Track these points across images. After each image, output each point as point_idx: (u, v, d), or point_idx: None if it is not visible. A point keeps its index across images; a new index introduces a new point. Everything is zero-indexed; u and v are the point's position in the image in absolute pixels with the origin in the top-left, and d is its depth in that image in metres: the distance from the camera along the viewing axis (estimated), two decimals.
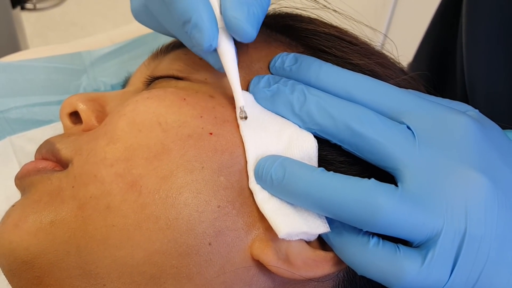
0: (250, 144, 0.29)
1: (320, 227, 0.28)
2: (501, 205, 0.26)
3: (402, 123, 0.28)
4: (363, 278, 0.31)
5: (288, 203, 0.28)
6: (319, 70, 0.31)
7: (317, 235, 0.28)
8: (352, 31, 0.39)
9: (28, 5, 0.86)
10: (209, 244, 0.28)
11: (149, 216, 0.28)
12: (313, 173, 0.27)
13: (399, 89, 0.30)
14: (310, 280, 0.29)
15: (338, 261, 0.29)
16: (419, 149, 0.27)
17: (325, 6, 0.38)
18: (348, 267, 0.29)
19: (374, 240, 0.27)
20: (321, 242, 0.30)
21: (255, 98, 0.31)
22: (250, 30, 0.28)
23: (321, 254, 0.29)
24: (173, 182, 0.28)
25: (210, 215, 0.28)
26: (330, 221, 0.28)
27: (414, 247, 0.26)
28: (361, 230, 0.27)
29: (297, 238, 0.28)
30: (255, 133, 0.30)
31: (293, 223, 0.27)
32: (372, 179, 0.26)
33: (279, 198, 0.28)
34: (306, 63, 0.31)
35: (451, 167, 0.26)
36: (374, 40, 0.39)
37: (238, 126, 0.30)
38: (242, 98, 0.30)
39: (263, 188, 0.29)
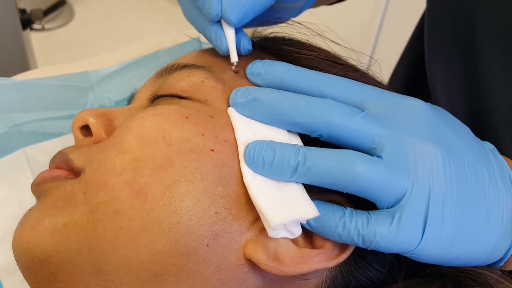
0: (240, 134, 0.32)
1: (309, 212, 0.29)
2: (456, 168, 0.30)
3: (363, 110, 0.31)
4: (344, 277, 0.33)
5: (276, 188, 0.30)
6: (292, 72, 0.33)
7: (306, 220, 0.30)
8: (343, 55, 0.41)
9: (37, 26, 0.88)
10: (207, 245, 0.30)
11: (153, 220, 0.30)
12: (300, 150, 0.30)
13: (362, 84, 0.33)
14: (296, 277, 0.32)
15: (323, 258, 0.31)
16: (386, 130, 0.30)
17: (319, 34, 0.41)
18: (331, 268, 0.32)
19: (348, 210, 0.30)
20: (307, 242, 0.32)
21: (236, 109, 0.33)
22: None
23: (306, 251, 0.31)
24: (176, 190, 0.30)
25: (208, 220, 0.30)
26: None
27: (387, 209, 0.29)
28: (336, 208, 0.30)
29: (289, 228, 0.30)
30: (244, 129, 0.33)
31: (284, 214, 0.29)
32: (350, 149, 0.30)
33: (269, 178, 0.31)
34: (280, 66, 0.34)
35: (411, 141, 0.30)
36: (363, 57, 0.42)
37: (236, 146, 0.32)
38: (236, 56, 0.35)
39: (255, 171, 0.31)
